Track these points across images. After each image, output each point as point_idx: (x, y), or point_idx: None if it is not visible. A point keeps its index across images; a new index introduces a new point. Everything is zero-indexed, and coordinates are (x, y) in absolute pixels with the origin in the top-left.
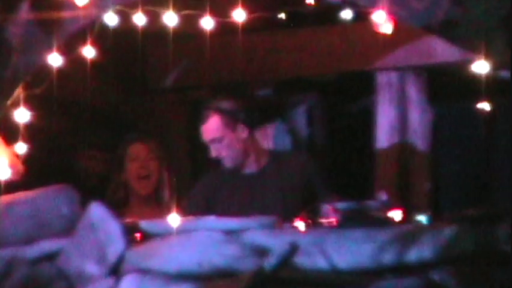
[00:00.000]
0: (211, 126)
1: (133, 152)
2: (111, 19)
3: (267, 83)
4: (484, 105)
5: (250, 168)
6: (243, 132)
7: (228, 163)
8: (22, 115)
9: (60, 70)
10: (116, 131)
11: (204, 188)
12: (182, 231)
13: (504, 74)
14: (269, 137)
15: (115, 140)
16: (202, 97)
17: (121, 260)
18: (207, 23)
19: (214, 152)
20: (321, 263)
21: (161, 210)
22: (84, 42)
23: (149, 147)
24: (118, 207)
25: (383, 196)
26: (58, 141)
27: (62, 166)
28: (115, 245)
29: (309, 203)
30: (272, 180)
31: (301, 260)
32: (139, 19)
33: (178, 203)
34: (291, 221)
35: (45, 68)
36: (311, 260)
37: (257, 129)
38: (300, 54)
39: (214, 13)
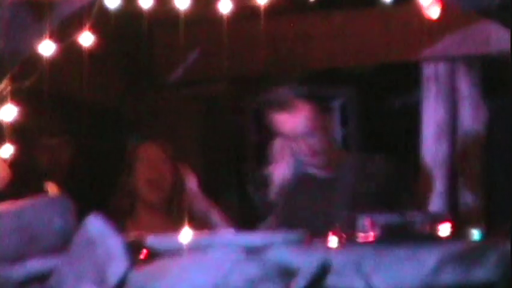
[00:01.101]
0: (304, 116)
1: (142, 153)
2: (112, 1)
3: (294, 76)
4: None
5: (324, 169)
6: (332, 125)
7: (317, 162)
8: (8, 112)
9: (52, 60)
10: (118, 131)
11: (289, 191)
12: (195, 248)
13: None
14: None
15: (116, 142)
16: (218, 93)
17: (123, 281)
18: (224, 5)
19: (305, 147)
20: (358, 284)
21: (174, 223)
22: (80, 28)
23: (162, 148)
24: (122, 219)
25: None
26: (50, 143)
27: (55, 172)
28: (117, 264)
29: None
30: (347, 187)
31: (335, 281)
32: (145, 1)
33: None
34: (324, 236)
35: (36, 58)
36: (346, 281)
37: None
38: (333, 42)
39: None
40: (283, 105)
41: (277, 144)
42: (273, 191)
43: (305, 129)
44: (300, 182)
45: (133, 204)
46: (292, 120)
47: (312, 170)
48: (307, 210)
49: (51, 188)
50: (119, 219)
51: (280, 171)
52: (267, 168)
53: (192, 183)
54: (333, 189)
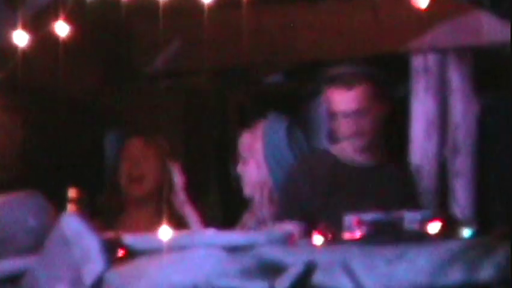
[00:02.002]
0: (361, 94)
1: (126, 149)
2: None
3: (278, 68)
4: None
5: (367, 158)
6: (384, 110)
7: (360, 143)
8: None
9: (26, 51)
10: (95, 125)
11: (307, 173)
12: (175, 247)
13: None
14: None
15: (94, 137)
16: (199, 85)
17: (100, 282)
18: None
19: (349, 128)
20: (345, 283)
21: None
22: (56, 17)
23: (146, 143)
24: (113, 214)
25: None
26: (24, 138)
27: (28, 169)
28: (93, 263)
29: None
30: (392, 180)
31: (321, 280)
32: None
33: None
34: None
35: (9, 49)
36: (332, 280)
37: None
38: (319, 33)
39: None
40: (343, 81)
41: (245, 140)
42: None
43: (359, 105)
44: (339, 166)
45: (121, 201)
46: (350, 96)
47: (353, 156)
48: (346, 202)
49: (73, 193)
50: (108, 216)
51: (252, 169)
52: (237, 167)
53: (178, 180)
54: (377, 181)
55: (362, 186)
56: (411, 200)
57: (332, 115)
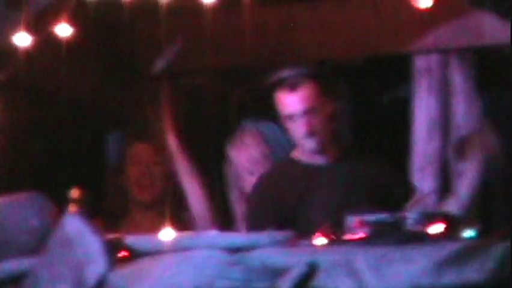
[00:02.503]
0: (307, 94)
1: (134, 153)
2: None
3: (280, 68)
4: None
5: (323, 158)
6: (337, 107)
7: (313, 144)
8: None
9: (28, 52)
10: (97, 126)
11: (273, 181)
12: (177, 248)
13: None
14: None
15: (96, 137)
16: (201, 84)
17: (102, 283)
18: None
19: (304, 128)
20: (347, 285)
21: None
22: (58, 18)
23: (154, 148)
24: (116, 216)
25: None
26: (26, 138)
27: (31, 169)
28: (95, 264)
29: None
30: (349, 178)
31: (323, 282)
32: None
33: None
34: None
35: (11, 50)
36: (335, 282)
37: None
38: (321, 33)
39: None
40: (289, 84)
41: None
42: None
43: (306, 106)
44: (303, 169)
45: (127, 204)
46: (296, 98)
47: (308, 157)
48: (318, 203)
49: (75, 194)
50: (114, 217)
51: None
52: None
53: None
54: (338, 180)
55: (327, 187)
56: (379, 196)
57: (284, 119)
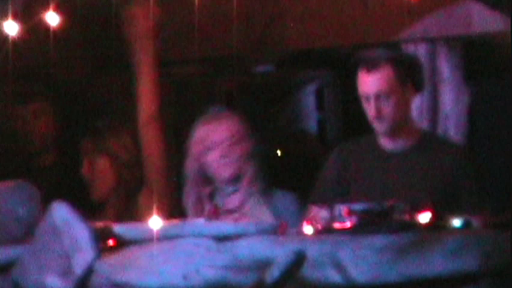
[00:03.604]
0: (382, 77)
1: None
2: None
3: (268, 57)
4: None
5: (396, 144)
6: (411, 94)
7: (384, 128)
8: None
9: (17, 40)
10: (86, 114)
11: (339, 162)
12: (165, 237)
13: None
14: None
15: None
16: (189, 74)
17: (90, 271)
18: None
19: (374, 110)
20: (333, 276)
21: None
22: (46, 7)
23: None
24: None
25: None
26: (15, 127)
27: (20, 158)
28: (83, 253)
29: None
30: (419, 167)
31: (310, 273)
32: None
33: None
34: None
35: (0, 38)
36: (322, 272)
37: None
38: (309, 22)
39: None
40: (367, 64)
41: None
42: None
43: (379, 88)
44: (370, 152)
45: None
46: (371, 78)
47: (383, 140)
48: (378, 188)
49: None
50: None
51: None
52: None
53: None
54: (405, 168)
55: (389, 174)
56: (441, 190)
57: (361, 98)
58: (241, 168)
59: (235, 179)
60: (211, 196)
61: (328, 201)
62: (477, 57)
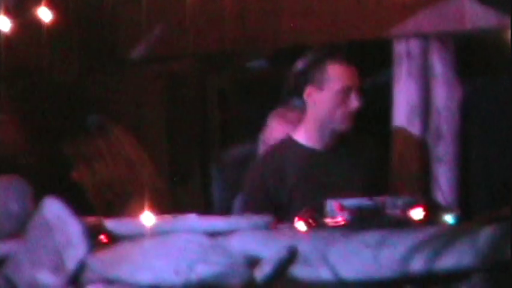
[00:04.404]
0: (357, 71)
1: None
2: None
3: (261, 53)
4: None
5: (319, 143)
6: None
7: (351, 122)
8: None
9: (9, 36)
10: (78, 110)
11: (272, 162)
12: (157, 232)
13: None
14: None
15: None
16: (182, 69)
17: (82, 267)
18: None
19: (357, 102)
20: (324, 273)
21: None
22: (38, 3)
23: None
24: None
25: None
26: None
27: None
28: (75, 249)
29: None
30: (345, 163)
31: (301, 270)
32: None
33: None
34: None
35: None
36: (313, 269)
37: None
38: (302, 18)
39: None
40: (345, 58)
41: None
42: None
43: (361, 82)
44: (299, 154)
45: None
46: (355, 71)
47: (310, 140)
48: (312, 187)
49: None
50: None
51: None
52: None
53: None
54: (335, 164)
55: (324, 173)
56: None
57: (333, 91)
58: None
59: None
60: None
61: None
62: (470, 53)
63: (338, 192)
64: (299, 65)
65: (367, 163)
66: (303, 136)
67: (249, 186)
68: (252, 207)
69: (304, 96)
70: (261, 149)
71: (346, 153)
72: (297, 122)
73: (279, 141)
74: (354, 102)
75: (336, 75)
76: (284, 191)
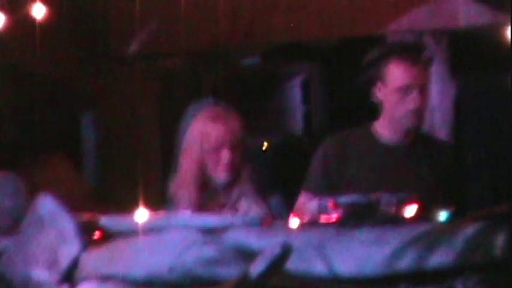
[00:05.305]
0: (422, 69)
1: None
2: None
3: (254, 50)
4: None
5: (398, 137)
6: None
7: (416, 120)
8: None
9: (3, 33)
10: (71, 107)
11: (331, 153)
12: (151, 229)
13: None
14: None
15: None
16: (176, 66)
17: (76, 264)
18: None
19: (418, 100)
20: (319, 269)
21: None
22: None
23: None
24: None
25: None
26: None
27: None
28: (69, 245)
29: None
30: (423, 162)
31: (295, 266)
32: None
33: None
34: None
35: None
36: (307, 265)
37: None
38: (295, 14)
39: None
40: (410, 55)
41: None
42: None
43: (424, 80)
44: (367, 145)
45: None
46: (417, 70)
47: (381, 134)
48: (375, 183)
49: None
50: None
51: None
52: None
53: None
54: (409, 162)
55: (396, 167)
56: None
57: (392, 90)
58: (239, 167)
59: (232, 181)
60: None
61: (318, 193)
62: (464, 51)
63: (395, 188)
64: (368, 58)
65: (438, 166)
66: (380, 129)
67: (315, 163)
68: (310, 183)
69: (376, 90)
70: (184, 153)
71: (419, 152)
72: (222, 119)
73: (358, 128)
74: (412, 102)
75: (396, 73)
76: (345, 176)
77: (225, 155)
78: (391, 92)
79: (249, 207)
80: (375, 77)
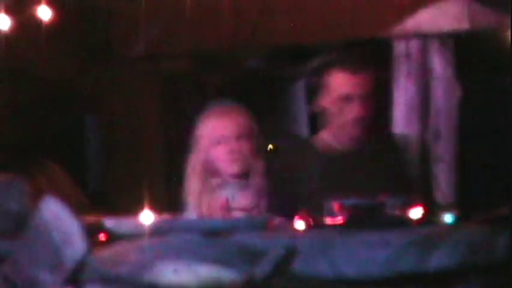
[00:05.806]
0: (365, 79)
1: None
2: None
3: (258, 52)
4: None
5: (339, 143)
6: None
7: (359, 130)
8: None
9: (8, 34)
10: (74, 108)
11: (295, 160)
12: (156, 231)
13: None
14: None
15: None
16: (178, 68)
17: (81, 266)
18: None
19: (361, 109)
20: (324, 270)
21: None
22: (38, 1)
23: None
24: None
25: None
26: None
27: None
28: (74, 248)
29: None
30: (372, 164)
31: (301, 267)
32: None
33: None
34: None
35: None
36: (312, 266)
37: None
38: (299, 16)
39: None
40: (351, 64)
41: None
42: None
43: (368, 89)
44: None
45: None
46: (357, 79)
47: (335, 145)
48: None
49: None
50: None
51: None
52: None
53: None
54: (360, 166)
55: (345, 174)
56: (396, 181)
57: (334, 99)
58: (249, 164)
59: (244, 175)
60: (220, 189)
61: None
62: (469, 53)
63: (348, 192)
64: (309, 68)
65: (388, 164)
66: (326, 137)
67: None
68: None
69: (319, 98)
70: (195, 151)
71: (367, 154)
72: (228, 113)
73: (305, 138)
74: (352, 111)
75: (336, 83)
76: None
77: (233, 146)
78: (333, 100)
79: (255, 204)
80: (318, 86)
